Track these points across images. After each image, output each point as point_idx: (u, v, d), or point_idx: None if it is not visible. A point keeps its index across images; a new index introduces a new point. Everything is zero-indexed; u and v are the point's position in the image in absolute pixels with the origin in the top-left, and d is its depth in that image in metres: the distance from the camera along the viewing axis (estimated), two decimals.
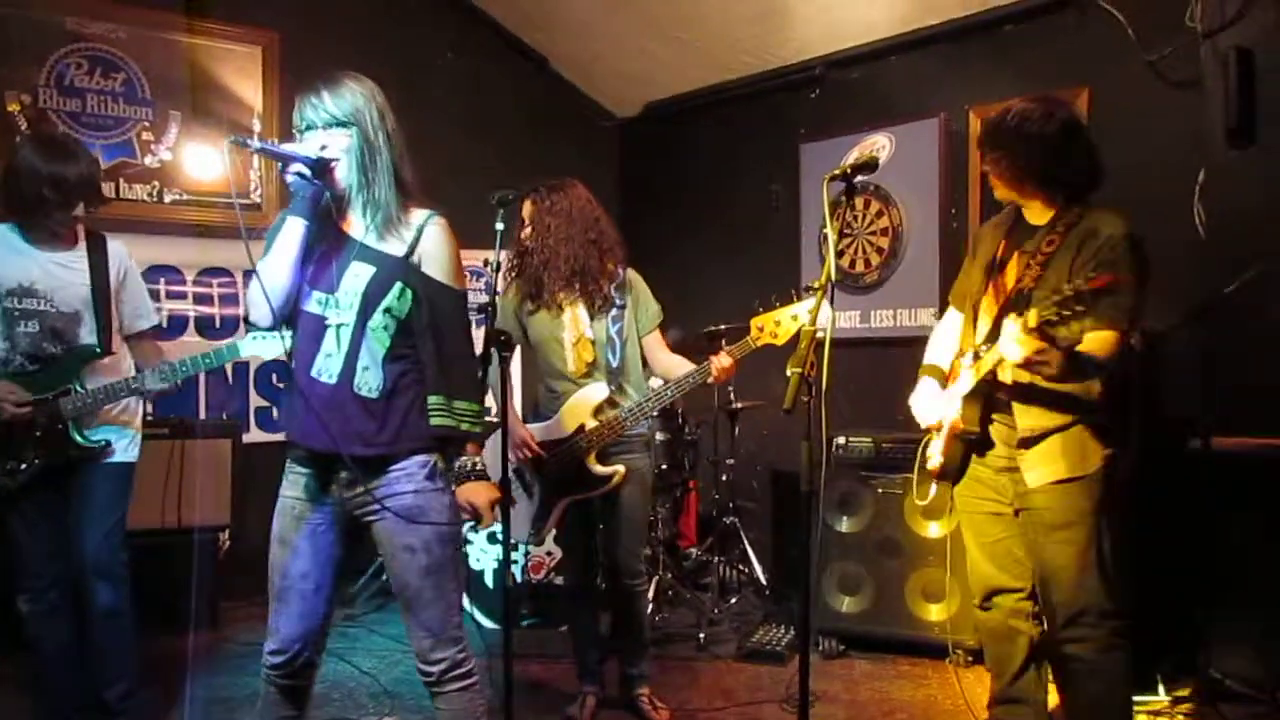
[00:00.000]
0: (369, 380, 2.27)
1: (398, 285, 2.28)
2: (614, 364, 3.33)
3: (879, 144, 5.02)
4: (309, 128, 2.24)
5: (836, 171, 2.38)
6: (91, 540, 3.03)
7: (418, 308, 2.30)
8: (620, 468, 3.29)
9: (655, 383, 3.66)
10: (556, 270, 3.26)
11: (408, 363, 2.31)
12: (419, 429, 2.30)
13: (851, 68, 5.21)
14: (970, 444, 2.81)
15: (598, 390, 3.30)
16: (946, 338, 3.00)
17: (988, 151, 2.74)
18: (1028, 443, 2.65)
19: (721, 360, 3.18)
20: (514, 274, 3.39)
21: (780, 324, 3.11)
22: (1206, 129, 3.72)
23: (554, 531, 3.47)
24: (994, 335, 2.65)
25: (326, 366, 2.27)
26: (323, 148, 2.22)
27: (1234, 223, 3.67)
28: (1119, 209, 2.63)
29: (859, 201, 5.11)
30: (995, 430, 2.75)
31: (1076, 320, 2.27)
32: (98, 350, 3.08)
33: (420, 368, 2.31)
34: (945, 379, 2.90)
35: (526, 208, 3.33)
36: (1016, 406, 2.67)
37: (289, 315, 2.31)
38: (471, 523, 2.42)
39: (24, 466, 2.98)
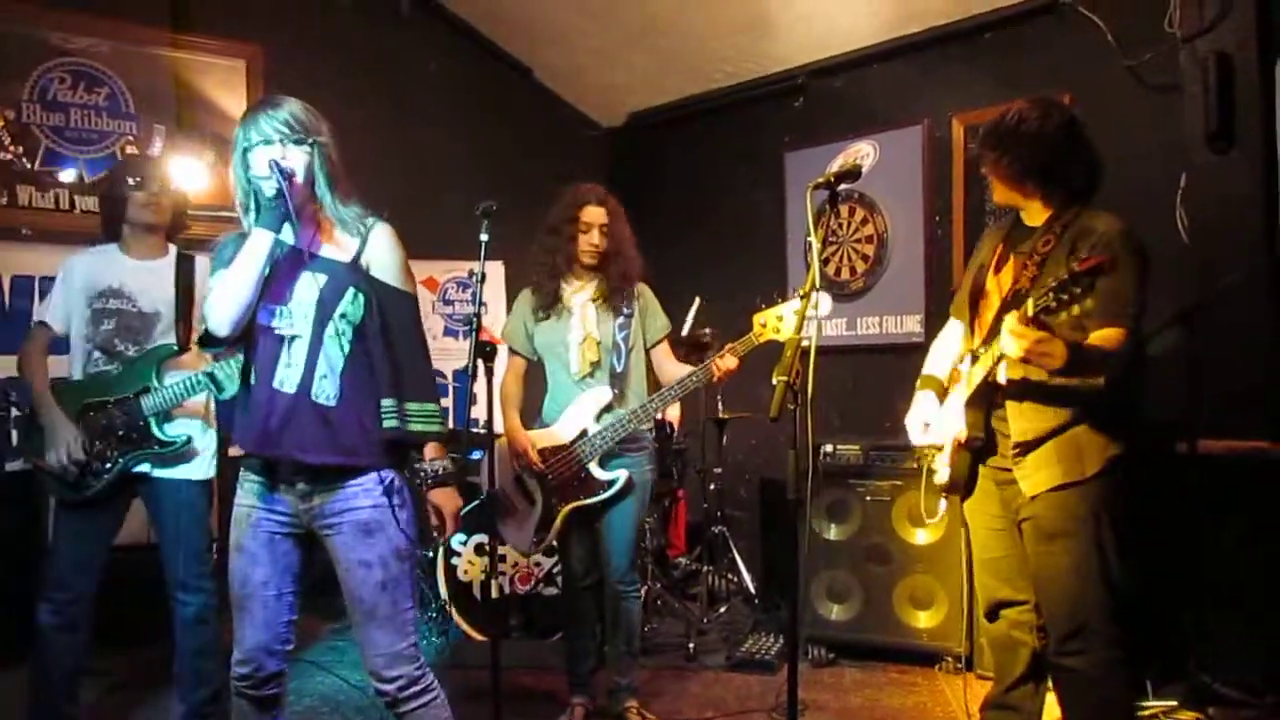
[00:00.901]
0: (326, 389, 2.27)
1: (350, 290, 2.29)
2: (618, 369, 3.34)
3: (863, 151, 5.05)
4: (265, 142, 2.25)
5: (820, 180, 2.39)
6: (180, 560, 3.14)
7: (369, 313, 2.31)
8: (624, 473, 3.29)
9: None
10: (620, 270, 3.35)
11: (364, 371, 2.31)
12: (373, 440, 2.29)
13: (834, 76, 5.24)
14: (976, 452, 2.75)
15: (600, 394, 3.31)
16: (946, 348, 2.97)
17: (987, 153, 2.71)
18: (1024, 449, 2.61)
19: (727, 361, 3.19)
20: (556, 275, 3.37)
21: (783, 319, 3.09)
22: (1187, 133, 3.75)
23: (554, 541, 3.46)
24: (992, 336, 2.62)
25: (287, 377, 2.27)
26: (283, 159, 2.24)
27: (1216, 226, 3.69)
28: (1114, 212, 2.62)
29: (844, 209, 5.13)
30: (998, 438, 2.71)
31: (1076, 304, 2.22)
32: (175, 348, 3.16)
33: (374, 376, 2.31)
34: (943, 390, 2.87)
35: (595, 213, 3.34)
36: (1010, 410, 2.63)
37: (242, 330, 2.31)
38: (435, 534, 2.41)
39: (109, 466, 3.06)
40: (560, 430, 3.33)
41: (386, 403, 2.30)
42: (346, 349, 2.29)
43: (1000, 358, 2.51)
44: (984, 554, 2.86)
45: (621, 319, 3.37)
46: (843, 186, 2.45)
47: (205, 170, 5.05)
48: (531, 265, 3.43)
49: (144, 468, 3.11)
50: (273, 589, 2.32)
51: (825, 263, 5.16)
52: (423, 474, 2.39)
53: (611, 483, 3.28)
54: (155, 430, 3.10)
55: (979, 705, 3.07)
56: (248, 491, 2.34)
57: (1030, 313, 2.30)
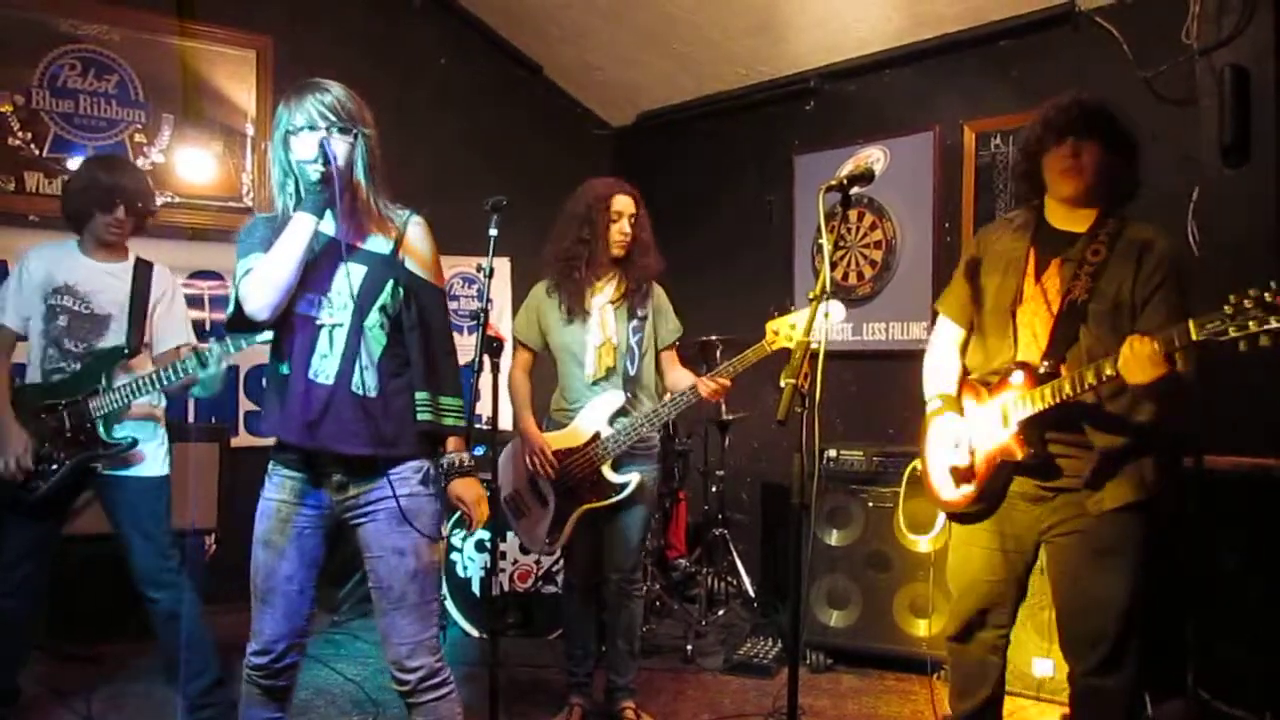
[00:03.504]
0: (367, 380, 2.28)
1: (390, 283, 2.30)
2: (631, 372, 3.35)
3: (873, 157, 5.03)
4: (309, 127, 2.22)
5: (833, 182, 2.35)
6: (144, 557, 3.17)
7: (406, 305, 2.32)
8: (637, 476, 3.29)
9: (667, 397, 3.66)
10: (643, 264, 3.38)
11: (400, 362, 2.33)
12: (411, 431, 2.31)
13: (846, 80, 5.21)
14: (1017, 469, 2.55)
15: (614, 398, 3.31)
16: (948, 358, 2.76)
17: (1081, 138, 2.47)
18: (1106, 462, 2.45)
19: (707, 383, 3.18)
20: (582, 271, 3.33)
21: (796, 328, 3.06)
22: (1201, 146, 3.73)
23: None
24: (1053, 351, 2.48)
25: (324, 367, 2.27)
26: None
27: (1228, 241, 3.67)
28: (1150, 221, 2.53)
29: (853, 214, 5.10)
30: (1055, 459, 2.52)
31: (1265, 334, 2.04)
32: (125, 350, 3.18)
33: (409, 368, 2.33)
34: (960, 406, 2.67)
35: (625, 202, 3.34)
36: (1087, 426, 2.47)
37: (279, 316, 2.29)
38: (460, 527, 2.41)
39: (55, 467, 3.10)
40: (574, 433, 3.32)
41: (421, 395, 2.32)
42: (384, 341, 2.31)
43: (1104, 383, 2.33)
44: (976, 575, 2.67)
45: (636, 321, 3.38)
46: (854, 190, 2.41)
47: (213, 160, 5.06)
48: (550, 260, 3.40)
49: (96, 466, 3.13)
50: (296, 584, 2.32)
51: (833, 267, 5.13)
52: (444, 466, 2.39)
53: (624, 485, 3.28)
54: (101, 432, 3.12)
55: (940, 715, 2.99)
56: (278, 486, 2.33)
57: (1196, 336, 2.12)
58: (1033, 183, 2.63)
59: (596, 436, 3.29)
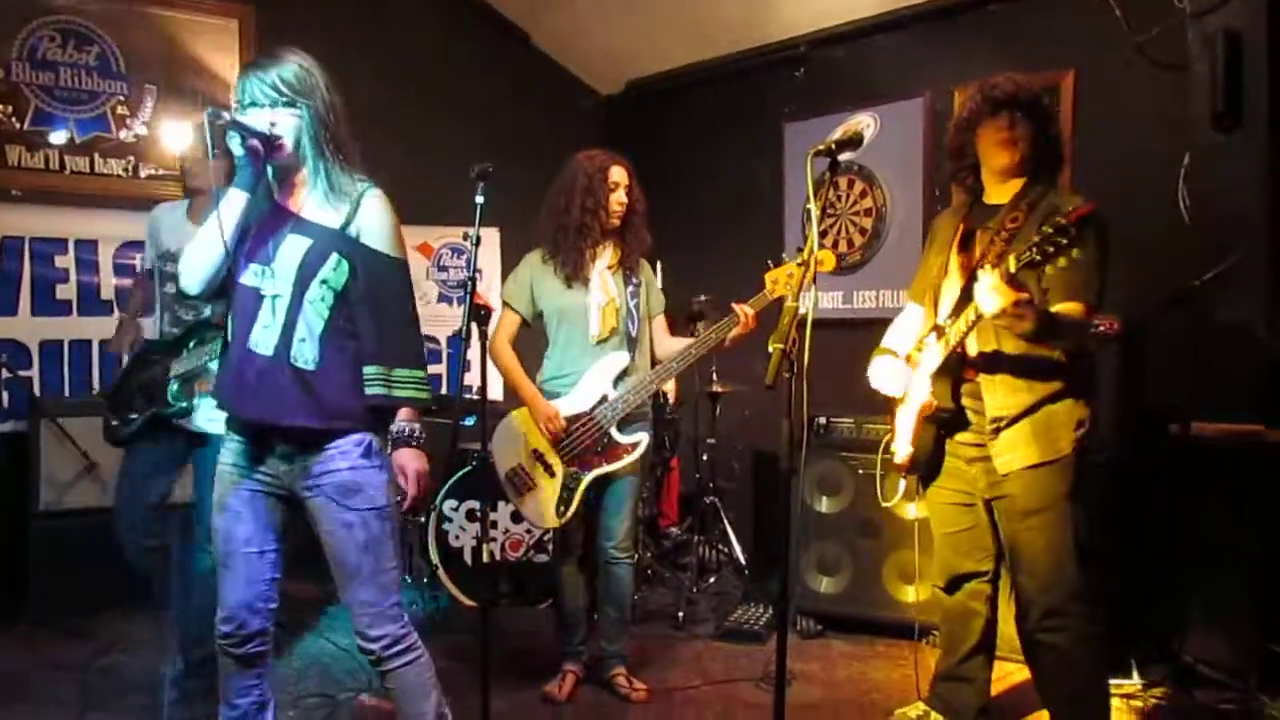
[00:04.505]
0: (305, 352, 2.26)
1: (334, 257, 2.28)
2: (633, 333, 3.37)
3: (864, 123, 5.00)
4: (253, 104, 2.23)
5: (820, 147, 2.34)
6: (206, 515, 3.25)
7: (354, 280, 2.30)
8: (645, 435, 3.32)
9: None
10: (637, 235, 3.42)
11: (345, 336, 2.30)
12: (355, 405, 2.29)
13: (836, 46, 5.17)
14: (941, 426, 2.79)
15: (619, 358, 3.33)
16: (905, 330, 3.02)
17: (1019, 118, 2.68)
18: (999, 427, 2.64)
19: (745, 308, 3.27)
20: (583, 238, 3.33)
21: (793, 276, 3.07)
22: (1192, 112, 3.70)
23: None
24: (958, 311, 2.66)
25: (264, 338, 2.26)
26: (271, 125, 2.22)
27: (1218, 207, 3.65)
28: (1081, 191, 2.68)
29: (842, 181, 5.09)
30: (967, 415, 2.75)
31: (1062, 255, 2.27)
32: (212, 322, 3.24)
33: (358, 341, 2.31)
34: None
35: (620, 173, 3.36)
36: (985, 386, 2.67)
37: (220, 287, 2.32)
38: (398, 498, 2.41)
39: (133, 418, 3.30)
40: (579, 397, 3.33)
41: (370, 370, 2.30)
42: (327, 314, 2.28)
43: (974, 322, 2.54)
44: (945, 529, 2.92)
45: (632, 287, 3.42)
46: (843, 157, 2.40)
47: (196, 132, 5.00)
48: (548, 230, 3.38)
49: (198, 424, 3.24)
50: (255, 546, 2.33)
51: (823, 235, 5.12)
52: (392, 435, 2.40)
53: (635, 445, 3.31)
54: (169, 393, 3.24)
55: (929, 679, 3.10)
56: (230, 450, 2.35)
57: (1013, 268, 2.34)
58: (965, 156, 2.84)
59: (603, 399, 3.30)
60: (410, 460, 2.42)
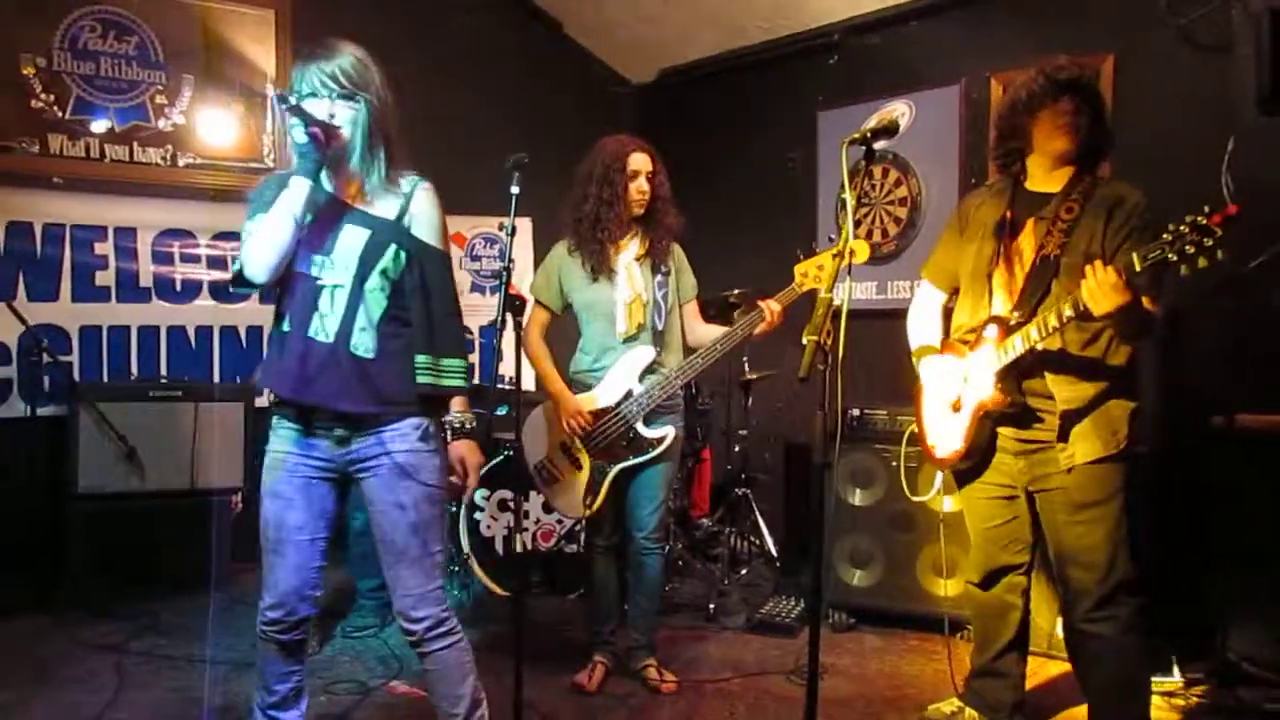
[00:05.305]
0: (365, 341, 2.31)
1: (392, 248, 2.33)
2: (659, 327, 3.35)
3: (898, 111, 4.94)
4: (312, 94, 2.25)
5: (855, 135, 2.30)
6: None
7: (409, 269, 2.35)
8: (671, 429, 3.31)
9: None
10: (664, 222, 3.35)
11: (400, 324, 2.35)
12: (409, 391, 2.34)
13: (871, 33, 5.11)
14: (999, 421, 2.72)
15: (645, 353, 3.32)
16: (931, 314, 2.97)
17: (1079, 102, 2.61)
18: (1069, 419, 2.58)
19: (771, 304, 3.21)
20: (603, 231, 3.30)
21: (823, 268, 3.05)
22: (1237, 95, 3.63)
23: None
24: (1024, 303, 2.61)
25: (322, 326, 2.30)
26: (330, 115, 2.26)
27: (1264, 192, 3.57)
28: (1124, 179, 2.65)
29: (877, 170, 5.04)
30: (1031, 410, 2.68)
31: (1203, 256, 2.18)
32: None
33: (410, 329, 2.36)
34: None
35: (642, 159, 3.31)
36: (1050, 379, 2.61)
37: (280, 276, 2.33)
38: (457, 488, 2.44)
39: None
40: (605, 391, 3.32)
41: (421, 358, 2.35)
42: (385, 303, 2.33)
43: (1068, 320, 2.45)
44: (985, 523, 2.87)
45: (660, 277, 3.37)
46: (878, 145, 2.36)
47: (234, 121, 5.04)
48: (569, 222, 3.37)
49: None
50: (306, 534, 2.36)
51: (857, 225, 5.08)
52: (449, 426, 2.44)
53: (660, 440, 3.30)
54: None
55: (963, 676, 3.08)
56: (282, 438, 2.37)
57: (1138, 266, 2.26)
58: (1016, 139, 2.73)
59: (629, 394, 3.29)
60: (469, 453, 2.47)
